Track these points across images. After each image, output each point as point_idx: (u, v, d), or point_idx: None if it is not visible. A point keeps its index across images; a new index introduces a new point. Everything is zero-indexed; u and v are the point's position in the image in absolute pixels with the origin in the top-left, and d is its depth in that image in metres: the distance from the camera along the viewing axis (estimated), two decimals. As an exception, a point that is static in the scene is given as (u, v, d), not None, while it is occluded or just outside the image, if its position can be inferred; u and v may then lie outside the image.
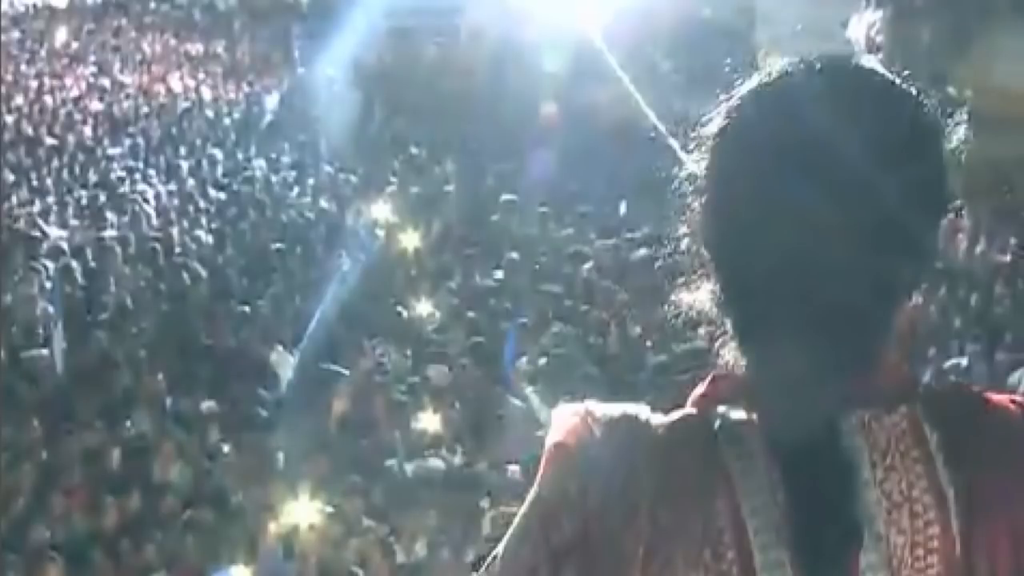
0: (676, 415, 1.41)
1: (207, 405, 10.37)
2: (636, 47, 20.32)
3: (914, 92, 1.42)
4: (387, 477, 9.40)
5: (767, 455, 1.36)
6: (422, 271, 13.70)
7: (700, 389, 1.44)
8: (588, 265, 13.95)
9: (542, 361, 11.30)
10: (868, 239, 1.34)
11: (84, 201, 17.10)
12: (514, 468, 9.54)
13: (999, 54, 15.15)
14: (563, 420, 1.46)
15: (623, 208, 16.85)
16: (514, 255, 14.00)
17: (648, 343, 11.72)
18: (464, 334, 11.82)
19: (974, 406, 1.43)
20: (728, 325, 1.42)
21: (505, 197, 16.43)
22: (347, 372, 10.89)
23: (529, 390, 10.61)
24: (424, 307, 12.16)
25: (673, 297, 1.51)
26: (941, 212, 1.42)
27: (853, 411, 1.38)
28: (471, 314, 12.31)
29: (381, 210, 15.40)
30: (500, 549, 1.43)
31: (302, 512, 8.31)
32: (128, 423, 10.02)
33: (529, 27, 20.17)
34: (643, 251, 14.46)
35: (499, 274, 13.80)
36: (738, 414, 1.39)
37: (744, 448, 1.37)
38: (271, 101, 24.59)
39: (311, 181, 18.10)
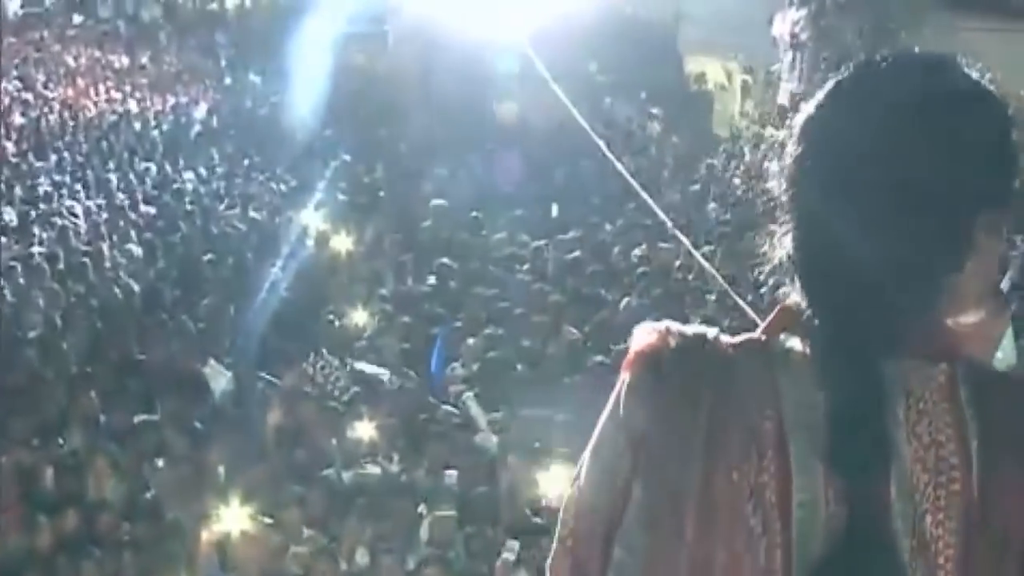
0: (743, 337, 1.64)
1: (141, 420, 10.29)
2: (563, 49, 20.37)
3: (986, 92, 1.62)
4: (325, 486, 9.37)
5: (813, 380, 1.56)
6: (355, 278, 13.67)
7: (768, 319, 1.66)
8: (522, 268, 13.98)
9: (476, 365, 11.33)
10: (914, 213, 1.55)
11: (10, 217, 16.88)
12: (451, 473, 9.56)
13: (922, 49, 15.31)
14: (643, 334, 1.68)
15: (555, 210, 16.92)
16: (446, 260, 14.00)
17: (587, 344, 11.77)
18: (397, 340, 11.81)
19: (1009, 381, 1.61)
20: (797, 271, 1.63)
21: (436, 202, 16.43)
22: (281, 382, 10.84)
23: (466, 395, 10.63)
24: (358, 314, 12.13)
25: (763, 250, 1.70)
26: (988, 199, 1.60)
27: (895, 357, 1.56)
28: (405, 319, 12.29)
29: (312, 218, 15.35)
30: (590, 446, 1.73)
31: (239, 523, 8.28)
32: (61, 440, 9.92)
33: (457, 33, 20.18)
34: (576, 253, 14.54)
35: (432, 279, 13.80)
36: (794, 343, 1.61)
37: (794, 370, 1.58)
38: (199, 112, 24.43)
39: (241, 191, 17.99)
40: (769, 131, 20.71)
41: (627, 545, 1.64)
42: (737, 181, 18.30)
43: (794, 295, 1.64)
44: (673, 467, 1.59)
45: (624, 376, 1.67)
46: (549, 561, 1.82)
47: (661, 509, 1.59)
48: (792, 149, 1.63)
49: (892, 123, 1.56)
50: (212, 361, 11.16)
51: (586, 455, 1.74)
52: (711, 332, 1.64)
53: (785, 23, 19.38)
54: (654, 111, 20.94)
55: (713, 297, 12.12)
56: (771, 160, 18.81)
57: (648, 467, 1.62)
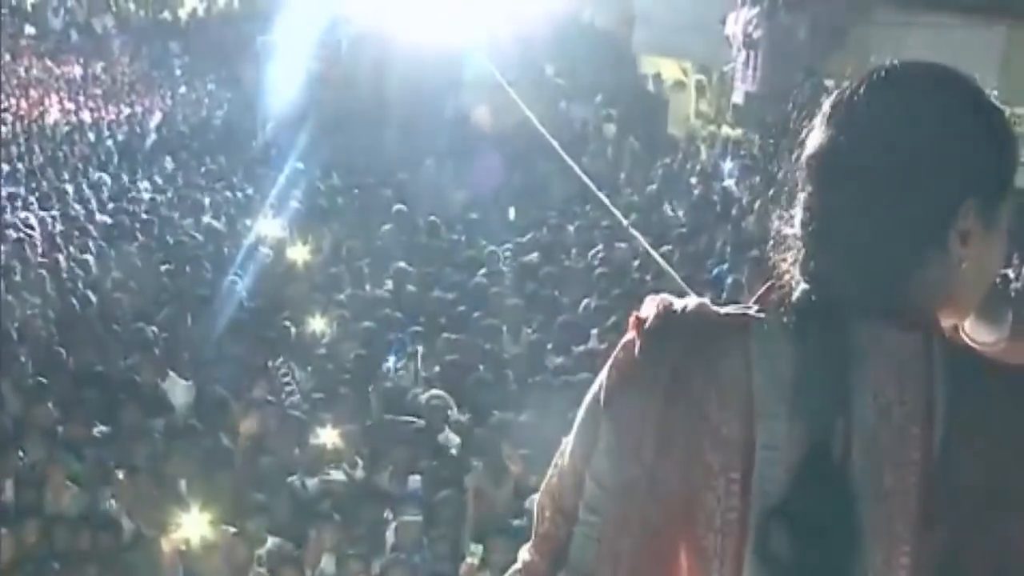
0: (733, 307, 1.74)
1: (99, 431, 10.23)
2: (519, 53, 20.46)
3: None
4: (289, 493, 9.34)
5: (787, 337, 1.64)
6: (312, 285, 13.63)
7: (758, 292, 1.75)
8: (480, 271, 13.99)
9: (436, 368, 11.34)
10: (907, 188, 1.65)
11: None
12: (415, 478, 9.56)
13: (874, 47, 15.47)
14: (646, 305, 1.75)
15: (512, 213, 16.94)
16: (403, 264, 14.00)
17: (548, 345, 11.79)
18: (356, 345, 11.79)
19: (983, 357, 1.69)
20: (800, 245, 1.71)
21: (396, 207, 16.42)
22: (242, 391, 10.79)
23: (422, 397, 10.63)
24: (316, 321, 12.10)
25: (775, 227, 1.79)
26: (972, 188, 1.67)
27: (869, 320, 1.63)
28: (365, 324, 12.27)
29: (268, 226, 15.30)
30: (575, 424, 1.83)
31: (201, 532, 8.24)
32: (20, 453, 9.84)
33: (411, 39, 20.18)
34: (533, 256, 14.57)
35: (389, 284, 13.79)
36: (774, 315, 1.68)
37: (769, 329, 1.67)
38: (153, 121, 24.31)
39: (197, 200, 17.91)
40: (724, 130, 20.81)
41: (595, 475, 1.75)
42: (693, 180, 18.37)
43: (790, 274, 1.73)
44: (635, 406, 1.69)
45: (625, 337, 1.76)
46: (527, 546, 1.90)
47: (622, 438, 1.70)
48: (819, 133, 1.71)
49: (907, 116, 1.66)
50: (171, 372, 11.10)
51: (569, 436, 1.83)
52: (706, 303, 1.75)
53: (738, 23, 19.45)
54: (610, 112, 20.99)
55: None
56: (725, 159, 18.93)
57: (614, 409, 1.72)
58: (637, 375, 1.70)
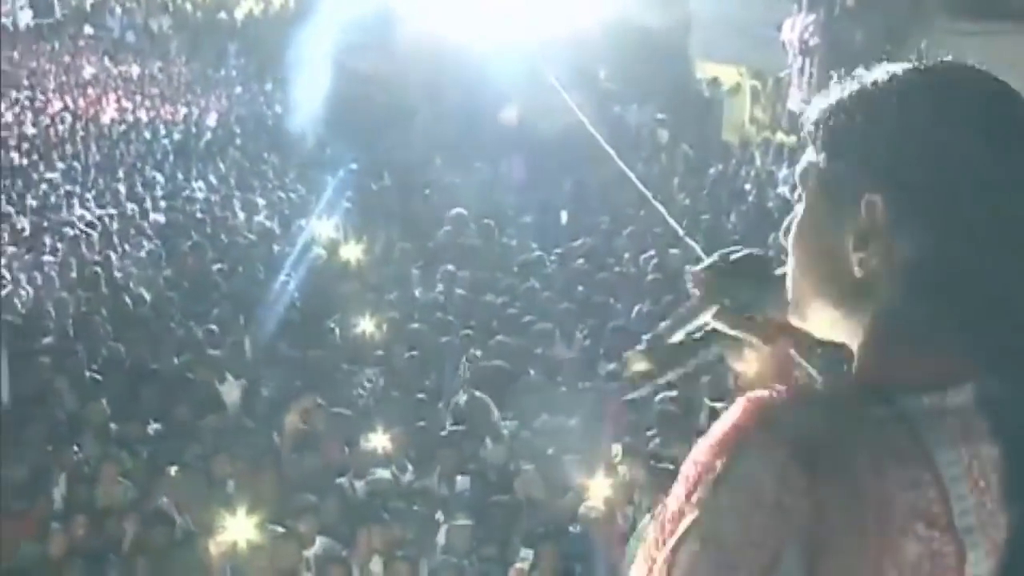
0: (858, 389, 1.42)
1: (153, 428, 10.31)
2: (572, 56, 20.39)
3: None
4: (338, 494, 9.36)
5: (972, 433, 1.40)
6: (364, 287, 13.65)
7: (861, 363, 1.48)
8: (532, 275, 13.96)
9: (485, 372, 11.32)
10: None
11: (22, 226, 16.93)
12: (463, 479, 9.56)
13: (931, 54, 15.31)
14: (756, 404, 1.39)
15: (564, 218, 16.89)
16: (451, 267, 14.00)
17: (600, 351, 11.75)
18: (406, 348, 11.79)
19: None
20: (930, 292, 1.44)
21: (455, 210, 16.34)
22: (293, 392, 10.81)
23: (464, 400, 10.63)
24: (366, 323, 12.11)
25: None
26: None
27: None
28: (415, 327, 12.29)
29: (322, 227, 15.34)
30: (695, 534, 1.37)
31: (247, 533, 8.26)
32: (75, 448, 9.93)
33: (465, 41, 20.17)
34: (586, 260, 14.52)
35: (440, 287, 13.79)
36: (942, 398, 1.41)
37: (939, 425, 1.38)
38: (209, 121, 24.47)
39: (251, 200, 18.00)
40: (779, 137, 20.67)
41: None
42: (747, 187, 18.26)
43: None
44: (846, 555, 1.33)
45: (745, 450, 1.35)
46: None
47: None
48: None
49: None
50: (227, 374, 11.16)
51: (684, 548, 1.36)
52: (828, 389, 1.55)
53: (794, 29, 19.32)
54: (663, 118, 20.90)
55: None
56: (780, 166, 18.80)
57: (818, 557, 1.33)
58: (832, 508, 1.31)
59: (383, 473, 9.66)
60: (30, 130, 23.36)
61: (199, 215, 17.10)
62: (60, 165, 20.65)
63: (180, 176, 19.95)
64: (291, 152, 21.18)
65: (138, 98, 26.46)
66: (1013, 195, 1.39)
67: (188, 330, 12.28)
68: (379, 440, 9.67)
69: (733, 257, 1.74)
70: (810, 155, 1.51)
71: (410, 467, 9.83)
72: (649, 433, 9.54)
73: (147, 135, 23.08)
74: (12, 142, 22.12)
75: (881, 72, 1.49)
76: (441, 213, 16.48)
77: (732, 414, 1.37)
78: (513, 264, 14.65)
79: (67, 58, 29.93)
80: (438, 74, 20.97)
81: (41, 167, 20.42)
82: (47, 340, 12.26)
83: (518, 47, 19.01)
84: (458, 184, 18.31)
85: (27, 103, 25.65)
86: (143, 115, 24.92)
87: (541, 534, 8.58)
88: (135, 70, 29.20)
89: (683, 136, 20.37)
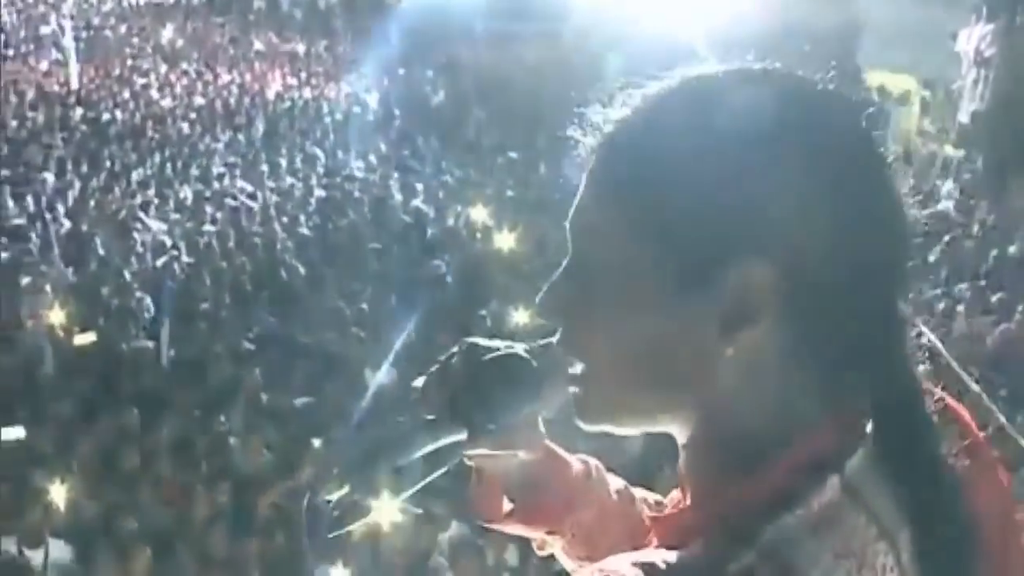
0: None
1: (302, 401, 10.41)
2: (736, 55, 20.11)
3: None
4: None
5: None
6: (517, 277, 13.61)
7: None
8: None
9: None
10: None
11: (185, 196, 17.30)
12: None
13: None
14: None
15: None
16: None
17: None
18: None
19: None
20: None
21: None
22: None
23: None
24: (518, 314, 12.04)
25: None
26: None
27: None
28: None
29: (479, 213, 15.35)
30: None
31: (391, 515, 8.26)
32: (222, 417, 10.08)
33: (632, 35, 20.06)
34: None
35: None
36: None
37: None
38: (371, 100, 24.72)
39: (408, 182, 18.12)
40: (946, 149, 20.15)
41: None
42: (910, 200, 17.81)
43: None
44: None
45: None
46: None
47: None
48: None
49: None
50: (372, 353, 11.22)
51: None
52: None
53: (971, 40, 18.82)
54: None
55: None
56: (945, 180, 18.32)
57: None
58: None
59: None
60: (199, 101, 23.89)
61: (357, 194, 17.27)
62: (225, 137, 21.07)
63: (340, 154, 20.18)
64: (450, 137, 21.28)
65: (303, 75, 26.87)
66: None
67: (341, 308, 12.39)
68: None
69: (485, 359, 1.42)
70: (604, 196, 1.22)
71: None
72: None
73: (310, 111, 23.42)
74: (180, 112, 22.65)
75: (710, 80, 1.23)
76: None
77: None
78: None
79: (236, 33, 30.53)
80: (602, 67, 20.89)
81: (207, 138, 20.86)
82: (204, 306, 12.49)
83: (681, 46, 18.83)
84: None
85: (196, 75, 26.24)
86: (307, 92, 25.28)
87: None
88: (301, 47, 29.64)
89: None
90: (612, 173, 1.21)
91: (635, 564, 1.10)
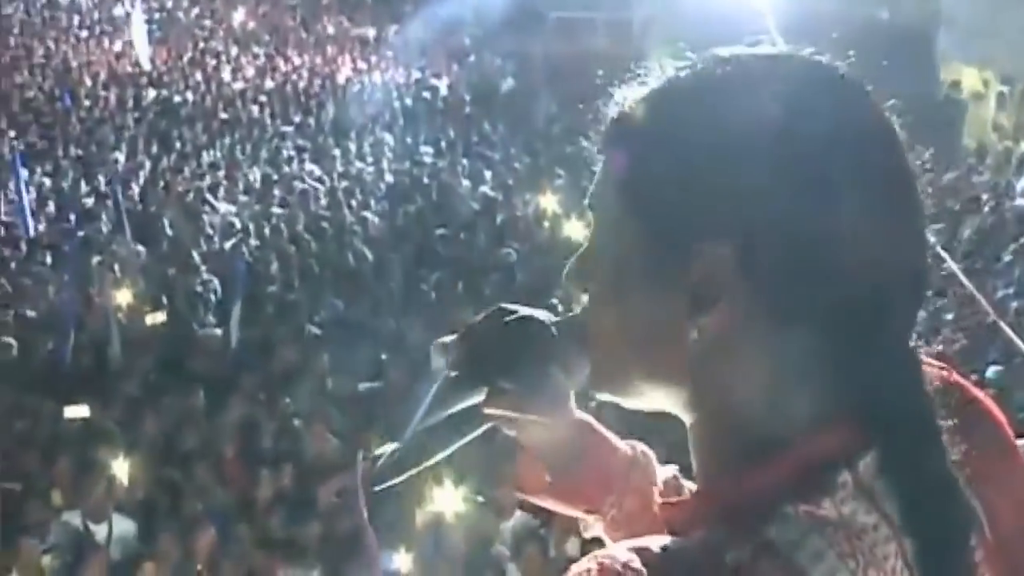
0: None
1: (366, 387, 10.38)
2: (811, 48, 19.87)
3: None
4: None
5: None
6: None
7: None
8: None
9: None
10: None
11: (254, 178, 17.37)
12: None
13: None
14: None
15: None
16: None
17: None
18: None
19: None
20: None
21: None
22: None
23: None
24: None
25: None
26: None
27: None
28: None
29: (548, 202, 15.26)
30: None
31: (455, 505, 8.20)
32: (287, 399, 10.08)
33: (704, 25, 19.85)
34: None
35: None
36: None
37: None
38: (440, 86, 24.68)
39: (477, 169, 18.06)
40: (1023, 146, 19.79)
41: None
42: (984, 196, 17.52)
43: None
44: None
45: None
46: None
47: None
48: None
49: None
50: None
51: None
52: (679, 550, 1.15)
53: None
54: (903, 120, 20.24)
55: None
56: (1020, 177, 17.99)
57: None
58: None
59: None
60: (269, 84, 23.99)
61: (425, 179, 17.24)
62: (295, 120, 21.13)
63: (409, 139, 20.16)
64: (520, 124, 21.19)
65: (373, 59, 26.89)
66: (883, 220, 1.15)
67: (406, 293, 12.35)
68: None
69: (508, 320, 1.42)
70: (608, 174, 1.26)
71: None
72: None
73: (380, 96, 23.42)
74: (251, 95, 22.74)
75: (711, 61, 1.23)
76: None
77: None
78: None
79: (307, 16, 30.61)
80: (674, 59, 20.72)
81: (277, 121, 20.93)
82: (271, 289, 12.52)
83: (757, 33, 18.62)
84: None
85: (267, 58, 26.34)
86: (377, 77, 25.30)
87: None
88: (371, 32, 29.66)
89: (921, 139, 19.69)
90: (613, 147, 1.25)
91: (631, 549, 1.09)
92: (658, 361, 1.19)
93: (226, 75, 24.51)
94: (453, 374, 1.43)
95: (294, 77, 24.69)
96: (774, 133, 1.12)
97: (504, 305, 1.45)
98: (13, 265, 13.27)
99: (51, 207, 15.88)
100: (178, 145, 19.02)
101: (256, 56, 26.48)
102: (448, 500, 8.23)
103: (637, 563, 1.07)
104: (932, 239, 1.22)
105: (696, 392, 1.19)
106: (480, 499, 8.58)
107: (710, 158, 1.14)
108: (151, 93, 22.59)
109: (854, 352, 1.13)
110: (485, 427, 1.45)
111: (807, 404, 1.14)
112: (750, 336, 1.13)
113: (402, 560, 7.75)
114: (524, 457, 1.56)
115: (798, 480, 1.11)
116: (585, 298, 1.29)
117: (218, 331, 11.33)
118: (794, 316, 1.12)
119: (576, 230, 14.03)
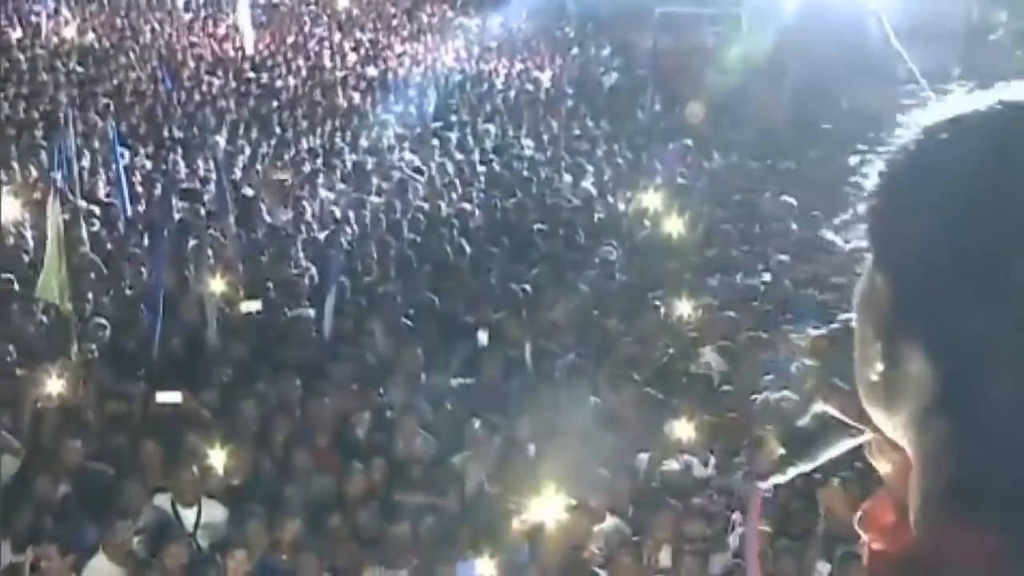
0: None
1: (459, 383, 10.23)
2: (923, 51, 19.45)
3: None
4: (634, 475, 9.07)
5: None
6: (685, 266, 13.24)
7: None
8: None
9: (793, 367, 10.77)
10: None
11: (352, 166, 17.31)
12: (765, 486, 9.05)
13: None
14: None
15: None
16: (784, 258, 13.46)
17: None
18: (717, 336, 11.36)
19: None
20: None
21: (783, 199, 15.84)
22: (601, 364, 10.55)
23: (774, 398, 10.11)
24: (682, 304, 11.68)
25: None
26: None
27: None
28: (729, 314, 11.82)
29: (649, 200, 15.01)
30: None
31: (554, 513, 8.00)
32: (381, 392, 9.97)
33: (815, 22, 19.48)
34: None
35: (766, 276, 13.26)
36: None
37: None
38: (543, 79, 24.49)
39: (578, 164, 17.85)
40: None
41: None
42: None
43: None
44: None
45: None
46: None
47: None
48: None
49: None
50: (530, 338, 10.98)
51: None
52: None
53: None
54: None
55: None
56: None
57: None
58: None
59: (671, 463, 9.27)
60: (371, 71, 23.97)
61: (525, 173, 17.07)
62: (396, 108, 21.06)
63: (510, 132, 20.00)
64: (622, 121, 20.95)
65: (475, 49, 26.76)
66: None
67: (504, 288, 12.18)
68: (683, 429, 9.28)
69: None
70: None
71: (712, 460, 9.43)
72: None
73: (482, 87, 23.30)
74: (352, 82, 22.73)
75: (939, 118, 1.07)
76: (772, 199, 16.00)
77: None
78: (843, 260, 13.98)
79: (410, 4, 30.56)
80: (782, 53, 20.41)
81: (377, 109, 20.89)
82: (368, 279, 12.42)
83: (872, 30, 18.29)
84: (792, 170, 17.77)
85: (370, 45, 26.34)
86: (480, 67, 25.17)
87: (841, 549, 8.07)
88: (475, 22, 29.55)
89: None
90: (874, 197, 1.13)
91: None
92: (875, 400, 1.14)
93: (327, 61, 24.53)
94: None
95: (395, 65, 24.64)
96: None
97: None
98: (110, 246, 13.30)
99: (150, 189, 15.92)
100: (278, 130, 19.02)
101: (359, 43, 26.48)
102: (546, 504, 8.05)
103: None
104: None
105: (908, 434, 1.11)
106: (573, 502, 8.39)
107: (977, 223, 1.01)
108: (253, 77, 22.66)
109: None
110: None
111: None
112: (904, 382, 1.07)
113: (485, 566, 7.60)
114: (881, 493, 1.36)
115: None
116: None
117: (311, 311, 11.28)
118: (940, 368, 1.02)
119: (676, 227, 13.81)
